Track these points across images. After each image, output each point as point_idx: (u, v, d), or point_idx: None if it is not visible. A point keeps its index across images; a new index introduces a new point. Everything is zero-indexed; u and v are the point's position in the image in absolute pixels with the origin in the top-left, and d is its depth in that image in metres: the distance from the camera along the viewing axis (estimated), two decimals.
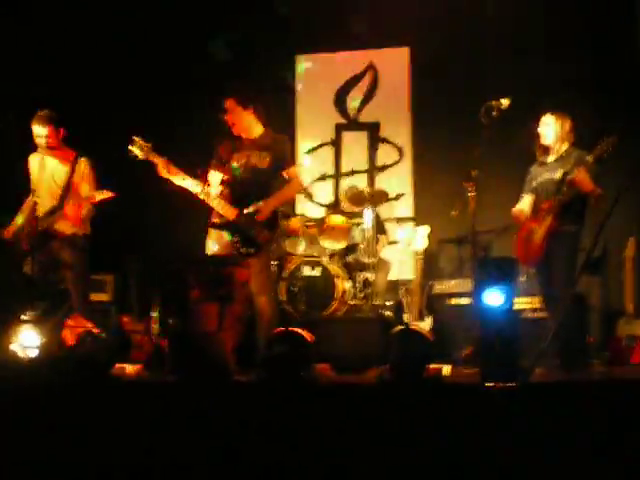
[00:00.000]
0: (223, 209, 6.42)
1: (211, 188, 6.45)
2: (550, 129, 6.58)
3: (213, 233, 6.49)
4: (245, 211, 6.39)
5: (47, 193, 7.09)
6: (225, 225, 6.41)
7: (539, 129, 6.62)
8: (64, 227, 7.04)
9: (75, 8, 9.02)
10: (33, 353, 6.24)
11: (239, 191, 6.49)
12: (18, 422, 4.84)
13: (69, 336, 6.64)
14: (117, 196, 6.93)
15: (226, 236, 6.40)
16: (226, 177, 6.51)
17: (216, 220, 6.47)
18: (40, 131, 7.06)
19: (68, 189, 7.06)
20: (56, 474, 4.75)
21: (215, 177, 6.55)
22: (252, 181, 6.50)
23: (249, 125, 6.59)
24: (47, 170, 7.11)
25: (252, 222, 6.36)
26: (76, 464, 4.76)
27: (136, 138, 6.59)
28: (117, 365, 6.23)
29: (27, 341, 6.30)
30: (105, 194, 6.94)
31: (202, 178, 6.49)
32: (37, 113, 7.09)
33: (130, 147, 6.58)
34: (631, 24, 8.15)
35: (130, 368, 6.45)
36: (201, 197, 6.39)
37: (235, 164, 6.55)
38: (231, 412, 4.78)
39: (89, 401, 4.99)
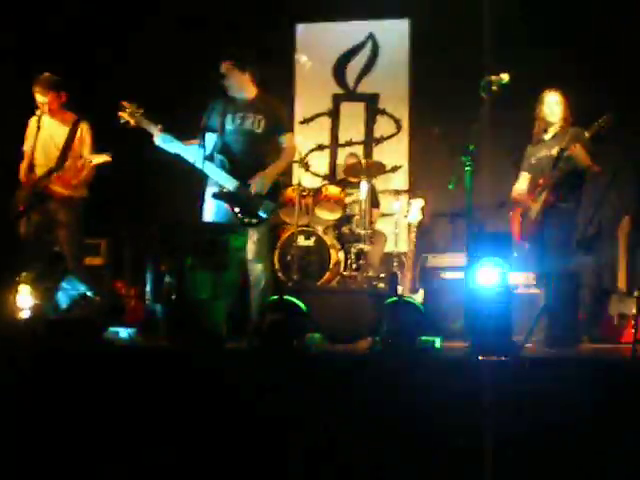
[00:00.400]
0: (223, 179, 6.36)
1: (206, 153, 6.31)
2: (557, 107, 6.58)
3: (211, 201, 6.41)
4: (246, 185, 6.31)
5: (43, 154, 7.03)
6: (226, 196, 6.34)
7: (544, 107, 6.62)
8: (61, 188, 6.99)
9: None
10: (27, 314, 6.25)
11: (235, 158, 6.42)
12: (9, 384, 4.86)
13: (63, 298, 6.67)
14: (114, 160, 6.92)
15: (227, 207, 6.34)
16: (220, 143, 6.44)
17: (215, 190, 6.38)
18: (41, 98, 6.99)
19: (67, 151, 7.01)
20: (48, 438, 4.78)
21: (210, 139, 6.45)
22: (247, 146, 6.45)
23: (245, 87, 6.53)
24: (45, 131, 7.04)
25: (253, 194, 6.30)
26: (68, 428, 4.80)
27: (126, 103, 6.50)
28: (110, 329, 6.25)
29: (21, 302, 6.31)
30: (103, 157, 6.92)
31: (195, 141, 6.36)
32: (39, 77, 7.01)
33: (120, 113, 6.50)
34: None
35: (124, 332, 6.47)
36: (198, 165, 6.27)
37: (229, 126, 6.47)
38: (223, 379, 4.81)
39: (82, 364, 5.01)
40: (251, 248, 6.37)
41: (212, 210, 6.41)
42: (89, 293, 6.63)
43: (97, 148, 7.10)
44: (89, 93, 8.06)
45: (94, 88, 8.47)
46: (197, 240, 5.66)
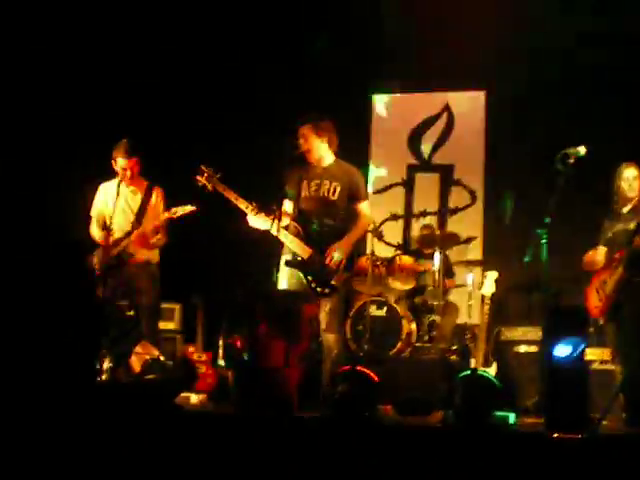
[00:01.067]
0: (297, 247, 6.33)
1: (282, 223, 6.31)
2: (635, 182, 6.52)
3: (286, 269, 6.36)
4: (323, 256, 6.25)
5: (123, 220, 7.12)
6: (300, 264, 6.30)
7: (621, 182, 6.55)
8: (139, 253, 7.08)
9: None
10: (104, 378, 6.31)
11: (310, 225, 6.39)
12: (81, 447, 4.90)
13: (136, 363, 6.71)
14: (198, 210, 6.94)
15: (301, 275, 6.29)
16: (296, 210, 6.45)
17: (289, 258, 6.35)
18: (125, 162, 7.08)
19: (142, 216, 7.12)
20: None
21: (288, 206, 6.47)
22: (323, 214, 6.40)
23: (322, 153, 6.51)
24: (122, 198, 7.14)
25: (328, 265, 6.25)
26: None
27: (204, 167, 6.53)
28: (182, 394, 6.26)
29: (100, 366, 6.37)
30: (188, 208, 6.96)
31: (275, 212, 6.29)
32: (121, 142, 7.12)
33: (198, 177, 6.53)
34: None
35: (194, 398, 6.48)
36: (274, 233, 6.24)
37: (305, 193, 6.47)
38: (293, 448, 4.77)
39: (153, 429, 5.02)
40: (324, 318, 6.29)
41: (286, 278, 6.36)
42: (161, 358, 6.66)
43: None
44: (164, 159, 8.18)
45: (163, 153, 8.60)
46: (272, 308, 5.67)
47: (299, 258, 6.32)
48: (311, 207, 6.45)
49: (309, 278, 6.26)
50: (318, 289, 6.24)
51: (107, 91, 9.09)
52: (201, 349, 8.05)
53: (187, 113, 9.33)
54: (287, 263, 6.34)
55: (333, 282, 6.26)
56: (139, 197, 7.21)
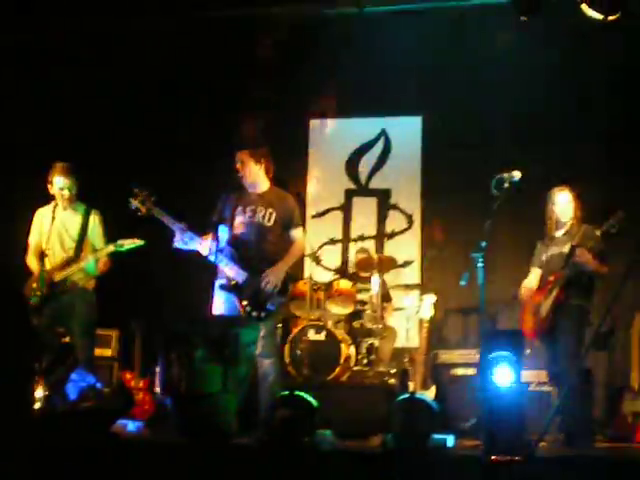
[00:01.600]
0: (232, 271, 6.32)
1: (218, 246, 6.24)
2: (568, 205, 6.61)
3: (220, 294, 6.36)
4: (257, 280, 6.25)
5: (58, 244, 7.01)
6: (234, 288, 6.29)
7: (554, 206, 6.64)
8: (77, 279, 6.99)
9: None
10: (37, 406, 6.20)
11: (245, 250, 6.38)
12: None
13: (72, 390, 6.61)
14: (144, 244, 6.89)
15: (235, 300, 6.28)
16: (231, 235, 6.41)
17: (223, 282, 6.33)
18: (63, 183, 6.98)
19: (82, 241, 7.04)
20: None
21: (223, 233, 6.41)
22: (257, 239, 6.40)
23: (258, 179, 6.53)
24: (58, 222, 7.04)
25: (263, 289, 6.25)
26: None
27: (137, 190, 6.47)
28: (119, 422, 6.19)
29: (34, 394, 6.26)
30: (135, 242, 6.91)
31: (209, 236, 6.28)
32: (58, 164, 7.02)
33: (131, 199, 6.46)
34: None
35: (131, 425, 6.41)
36: (210, 258, 6.22)
37: (240, 219, 6.45)
38: (232, 475, 4.74)
39: (90, 457, 4.95)
40: (259, 342, 6.26)
41: (221, 303, 6.35)
42: (98, 385, 6.57)
43: (112, 237, 7.08)
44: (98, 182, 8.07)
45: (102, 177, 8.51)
46: (208, 333, 5.64)
47: (233, 282, 6.30)
48: (246, 232, 6.44)
49: (244, 303, 6.24)
50: (254, 313, 6.22)
51: (37, 115, 9.03)
52: (138, 376, 7.97)
53: (122, 136, 9.25)
54: (221, 287, 6.33)
55: (268, 306, 6.25)
56: (77, 221, 7.10)
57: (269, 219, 6.44)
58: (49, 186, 7.06)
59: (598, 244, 6.36)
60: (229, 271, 6.31)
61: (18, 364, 6.03)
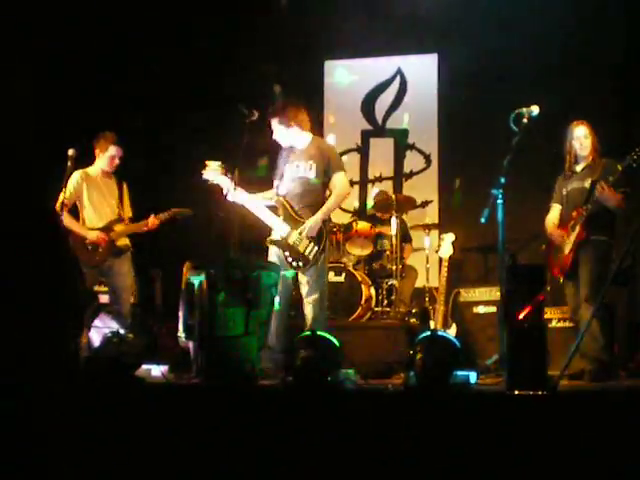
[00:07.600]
0: (277, 225, 6.54)
1: (269, 202, 6.67)
2: (586, 140, 6.55)
3: (272, 247, 6.59)
4: (296, 230, 6.45)
5: (108, 209, 7.29)
6: (277, 242, 6.52)
7: (574, 140, 6.59)
8: (121, 240, 7.27)
9: None
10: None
11: (292, 203, 6.57)
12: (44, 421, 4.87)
13: (95, 337, 6.68)
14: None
15: (280, 252, 6.50)
16: (283, 188, 6.64)
17: (270, 237, 6.59)
18: (116, 151, 7.26)
19: (120, 206, 7.33)
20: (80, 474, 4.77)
21: (275, 186, 6.73)
22: (302, 193, 6.57)
23: (294, 140, 6.69)
24: (103, 187, 7.31)
25: (301, 239, 6.44)
26: (99, 465, 4.78)
27: (208, 162, 6.69)
28: (143, 366, 6.24)
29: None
30: (185, 211, 7.44)
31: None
32: (111, 134, 7.27)
33: (203, 171, 6.67)
34: None
35: (155, 370, 6.46)
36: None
37: (288, 174, 6.64)
38: (255, 417, 4.77)
39: (114, 402, 5.00)
40: (303, 289, 6.50)
41: (273, 255, 6.61)
42: (122, 331, 6.62)
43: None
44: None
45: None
46: (229, 276, 5.67)
47: (279, 236, 6.53)
48: (292, 187, 6.62)
49: (286, 254, 6.47)
50: (294, 264, 6.45)
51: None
52: (161, 320, 8.03)
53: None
54: (269, 242, 6.60)
55: (306, 255, 6.41)
56: (114, 188, 7.36)
57: (311, 171, 6.59)
58: (97, 152, 7.25)
59: (619, 179, 6.30)
60: (274, 225, 6.57)
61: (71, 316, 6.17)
